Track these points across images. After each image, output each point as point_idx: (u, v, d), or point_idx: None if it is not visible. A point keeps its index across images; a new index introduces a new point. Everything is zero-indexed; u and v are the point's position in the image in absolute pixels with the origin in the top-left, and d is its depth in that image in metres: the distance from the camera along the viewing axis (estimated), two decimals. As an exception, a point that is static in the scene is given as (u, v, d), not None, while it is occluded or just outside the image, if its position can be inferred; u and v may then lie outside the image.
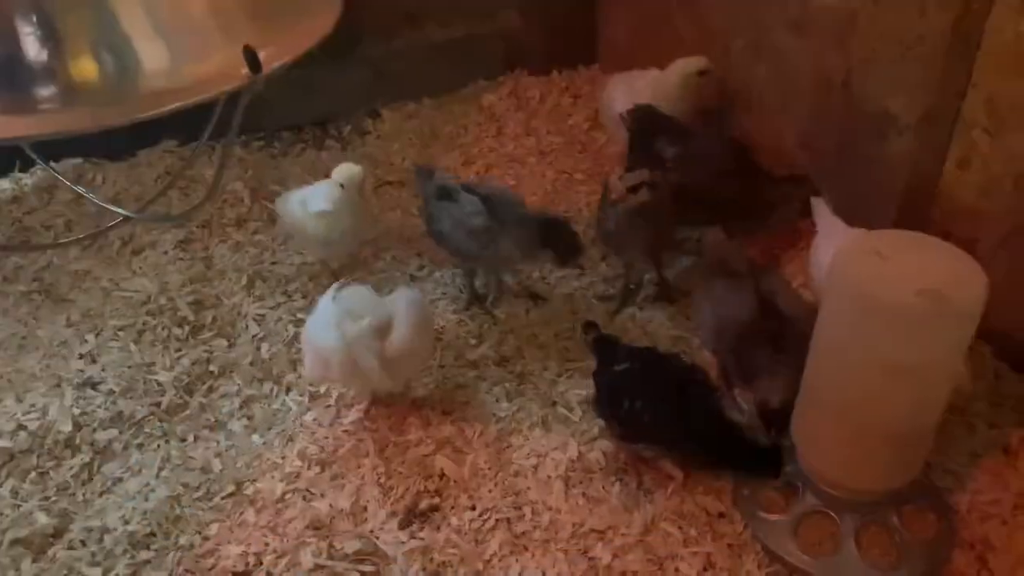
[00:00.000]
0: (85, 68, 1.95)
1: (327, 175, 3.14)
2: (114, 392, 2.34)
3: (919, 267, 1.61)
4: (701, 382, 1.96)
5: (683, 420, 1.90)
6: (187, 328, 2.54)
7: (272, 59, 2.04)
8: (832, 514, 1.86)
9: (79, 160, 3.22)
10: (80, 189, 3.02)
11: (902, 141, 2.27)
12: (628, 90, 2.93)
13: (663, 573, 1.86)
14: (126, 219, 2.79)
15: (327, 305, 2.12)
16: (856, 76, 2.38)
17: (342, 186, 2.57)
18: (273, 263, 2.79)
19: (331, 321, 2.06)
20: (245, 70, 1.97)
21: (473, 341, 2.50)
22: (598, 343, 2.15)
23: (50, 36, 1.90)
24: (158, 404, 2.31)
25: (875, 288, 1.57)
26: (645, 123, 2.72)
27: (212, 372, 2.41)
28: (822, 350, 1.72)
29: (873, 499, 1.84)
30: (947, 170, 2.24)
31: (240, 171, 3.17)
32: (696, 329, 2.38)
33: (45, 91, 1.91)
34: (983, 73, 2.07)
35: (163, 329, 2.54)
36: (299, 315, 2.56)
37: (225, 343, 2.51)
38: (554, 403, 2.28)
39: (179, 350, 2.48)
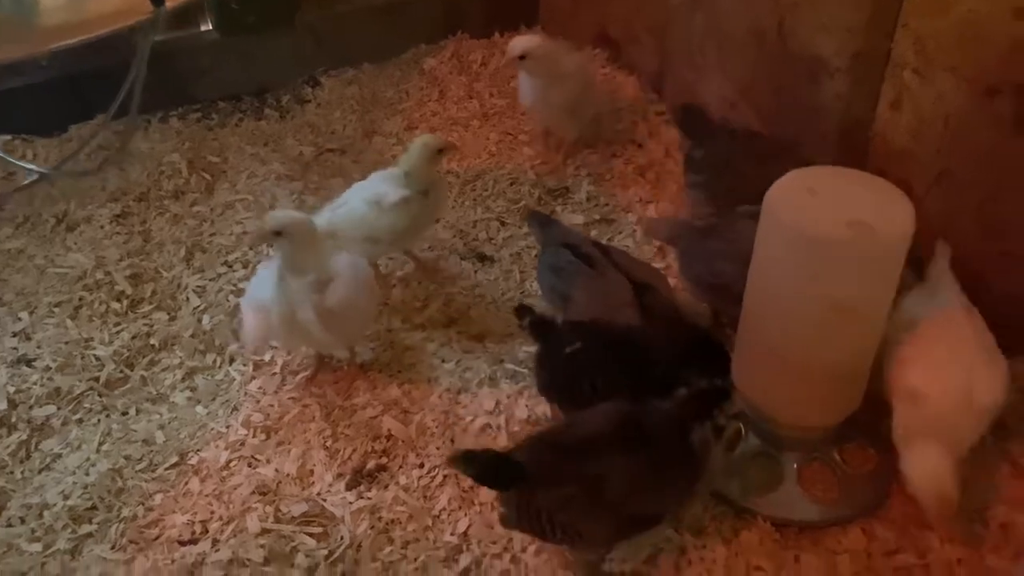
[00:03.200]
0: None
1: (266, 144, 3.12)
2: (50, 368, 2.28)
3: (849, 201, 1.62)
4: (650, 343, 1.88)
5: (642, 387, 1.80)
6: (125, 302, 2.49)
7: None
8: (774, 453, 1.88)
9: (8, 137, 3.12)
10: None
11: (834, 85, 2.29)
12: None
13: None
14: (42, 177, 2.79)
15: (269, 265, 2.10)
16: (788, 22, 2.39)
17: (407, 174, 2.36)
18: (212, 234, 2.74)
19: (272, 277, 2.04)
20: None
21: (419, 304, 2.49)
22: (536, 326, 1.98)
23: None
24: (97, 379, 2.26)
25: (806, 223, 1.59)
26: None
27: (153, 345, 2.37)
28: (758, 287, 1.73)
29: (814, 436, 1.87)
30: (880, 113, 2.26)
31: (177, 143, 3.10)
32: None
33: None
34: (911, 13, 2.08)
35: (100, 304, 2.48)
36: (240, 285, 2.51)
37: (166, 316, 2.47)
38: (502, 361, 2.28)
39: (118, 324, 2.42)
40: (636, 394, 1.72)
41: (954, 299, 1.87)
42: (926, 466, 1.68)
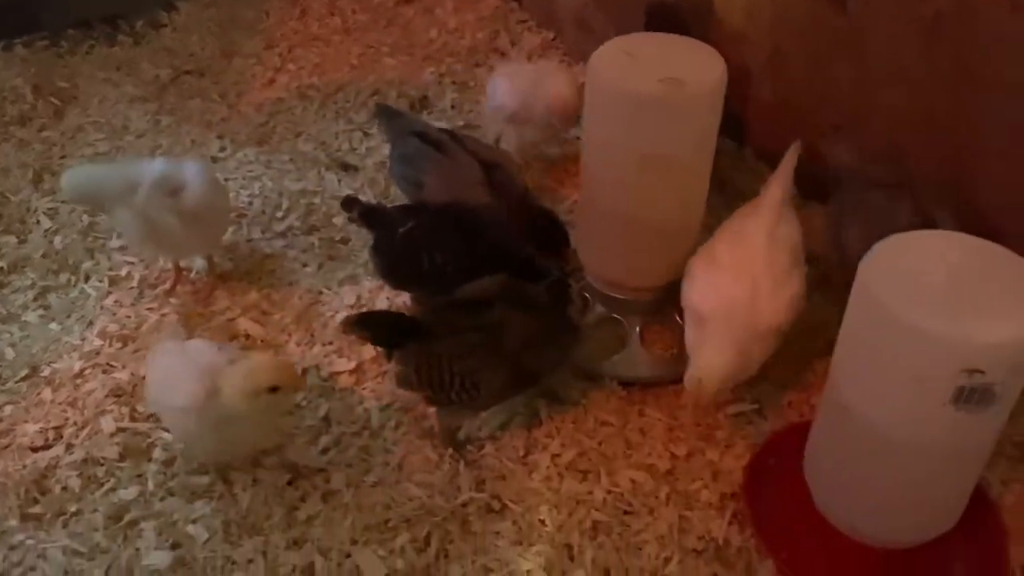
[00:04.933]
0: None
1: (119, 69, 3.03)
2: None
3: (664, 62, 1.69)
4: (484, 220, 1.91)
5: (482, 261, 1.84)
6: (-30, 228, 2.40)
7: None
8: (618, 317, 1.96)
9: None
10: None
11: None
12: (511, 83, 2.50)
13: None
14: None
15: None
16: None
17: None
18: (63, 157, 2.66)
19: None
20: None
21: (280, 214, 2.47)
22: (366, 215, 1.95)
23: None
24: (-60, 303, 2.19)
25: (623, 82, 1.65)
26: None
27: (2, 268, 2.30)
28: (588, 152, 1.79)
29: (653, 298, 1.96)
30: (718, -6, 2.34)
31: (22, 69, 2.99)
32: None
33: None
34: None
35: (-58, 232, 2.39)
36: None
37: (15, 239, 2.40)
38: (365, 263, 2.29)
39: (-38, 250, 2.34)
40: (477, 264, 1.77)
41: (766, 211, 1.80)
42: (701, 361, 1.70)
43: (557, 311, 1.74)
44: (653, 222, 1.78)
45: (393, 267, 1.96)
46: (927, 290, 1.26)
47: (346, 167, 2.64)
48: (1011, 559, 1.57)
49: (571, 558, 1.62)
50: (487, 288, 1.73)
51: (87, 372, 2.01)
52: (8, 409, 1.93)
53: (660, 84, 1.62)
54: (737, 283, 1.72)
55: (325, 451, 1.83)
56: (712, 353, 1.70)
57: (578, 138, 2.42)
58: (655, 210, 1.77)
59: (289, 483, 1.75)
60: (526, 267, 1.77)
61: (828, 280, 1.96)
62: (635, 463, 1.78)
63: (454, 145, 2.11)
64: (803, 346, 1.90)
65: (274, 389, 1.61)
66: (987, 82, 1.80)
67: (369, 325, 1.71)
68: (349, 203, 1.97)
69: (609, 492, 1.73)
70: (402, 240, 1.90)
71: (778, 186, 1.84)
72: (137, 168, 2.06)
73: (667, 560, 1.62)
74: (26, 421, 1.91)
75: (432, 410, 1.84)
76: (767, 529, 1.62)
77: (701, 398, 1.72)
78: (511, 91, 2.42)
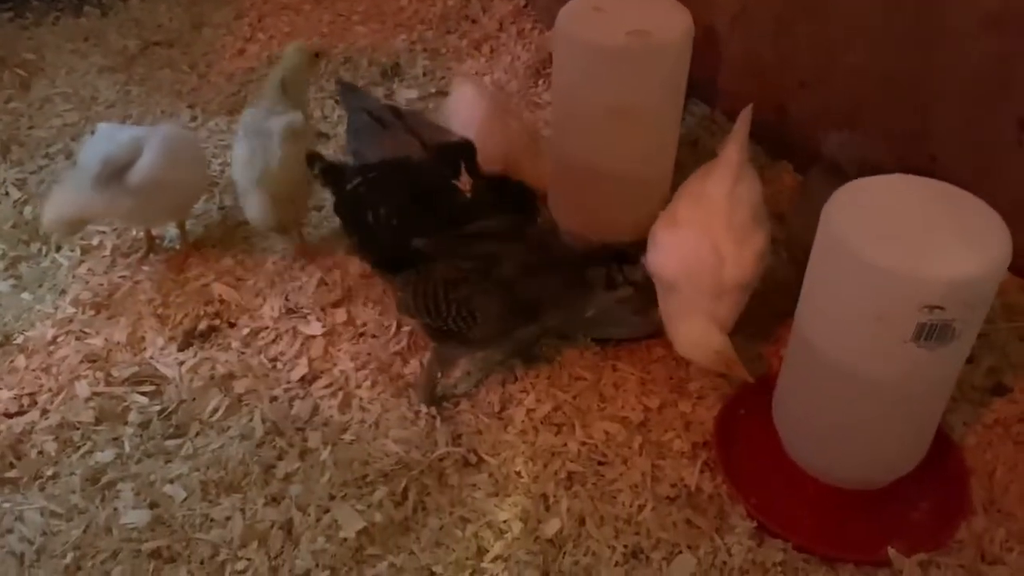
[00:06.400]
0: None
1: (86, 40, 2.99)
2: None
3: (632, 16, 1.70)
4: (438, 173, 1.89)
5: (429, 215, 1.84)
6: (-64, 199, 2.38)
7: None
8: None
9: None
10: None
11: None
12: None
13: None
14: None
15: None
16: None
17: None
18: (31, 128, 2.63)
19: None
20: None
21: (253, 182, 2.46)
22: (325, 172, 1.95)
23: None
24: (-91, 276, 2.17)
25: (591, 35, 1.66)
26: None
27: (-31, 240, 2.28)
28: (557, 106, 1.80)
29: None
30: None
31: (-15, 42, 2.94)
32: None
33: None
34: None
35: (-93, 203, 2.36)
36: (64, 175, 2.43)
37: (-17, 211, 2.37)
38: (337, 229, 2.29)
39: (-71, 222, 2.32)
40: (420, 216, 1.79)
41: (724, 170, 1.79)
42: (691, 337, 1.72)
43: (574, 265, 1.75)
44: (623, 174, 1.80)
45: (344, 222, 1.98)
46: (888, 230, 1.29)
47: (317, 134, 2.63)
48: (972, 498, 1.62)
49: (547, 508, 1.65)
50: (494, 226, 1.76)
51: (60, 339, 2.01)
52: (-19, 377, 1.93)
53: (627, 36, 1.63)
54: (700, 243, 1.73)
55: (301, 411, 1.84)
56: (689, 327, 1.71)
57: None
58: (624, 163, 1.79)
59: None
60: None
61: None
62: (609, 415, 1.81)
63: (398, 124, 2.11)
64: (771, 301, 1.92)
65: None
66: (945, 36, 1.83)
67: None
68: (312, 159, 1.97)
69: (583, 444, 1.76)
70: (349, 195, 1.91)
71: (735, 146, 1.82)
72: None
73: (641, 507, 1.64)
74: (0, 389, 1.90)
75: (414, 364, 1.87)
76: (737, 475, 1.65)
77: (730, 365, 1.71)
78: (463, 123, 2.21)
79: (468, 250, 1.73)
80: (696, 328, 1.71)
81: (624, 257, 1.77)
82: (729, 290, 1.72)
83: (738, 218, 1.75)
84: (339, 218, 2.00)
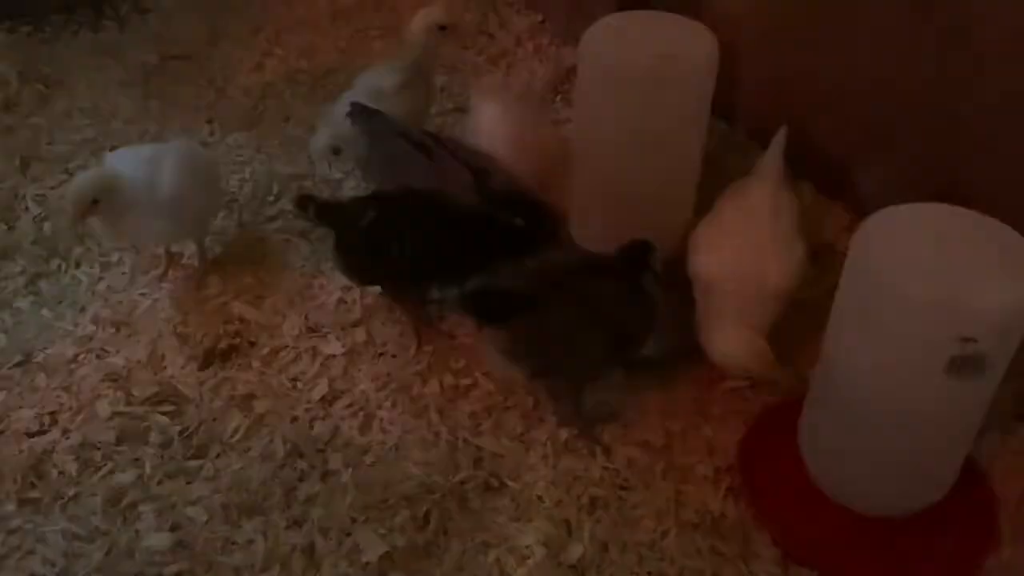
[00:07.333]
0: None
1: (106, 54, 3.00)
2: None
3: (657, 39, 1.70)
4: (443, 201, 1.89)
5: (449, 243, 1.83)
6: (-43, 215, 2.38)
7: None
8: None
9: None
10: None
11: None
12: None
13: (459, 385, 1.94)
14: None
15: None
16: None
17: None
18: (50, 143, 2.63)
19: None
20: None
21: (271, 198, 2.46)
22: (322, 212, 1.92)
23: None
24: (-68, 291, 2.17)
25: (617, 59, 1.65)
26: None
27: (-10, 255, 2.29)
28: (581, 129, 1.80)
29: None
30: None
31: (6, 55, 2.95)
32: None
33: None
34: None
35: (-72, 219, 2.37)
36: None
37: (3, 227, 2.37)
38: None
39: (-50, 237, 2.32)
40: (446, 246, 1.78)
41: (767, 182, 1.86)
42: (728, 345, 1.74)
43: (632, 282, 1.73)
44: (646, 196, 1.79)
45: (359, 261, 1.93)
46: (919, 260, 1.28)
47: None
48: (1001, 527, 1.60)
49: (569, 533, 1.64)
50: (565, 264, 1.76)
51: (81, 357, 2.01)
52: (2, 395, 1.92)
53: (655, 60, 1.62)
54: (744, 248, 1.76)
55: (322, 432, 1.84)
56: (729, 332, 1.73)
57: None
58: (648, 187, 1.78)
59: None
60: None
61: (818, 256, 1.99)
62: (631, 440, 1.80)
63: (440, 149, 2.03)
64: (794, 322, 1.91)
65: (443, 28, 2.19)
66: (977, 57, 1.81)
67: (479, 303, 1.67)
68: (304, 200, 1.93)
69: (606, 468, 1.75)
70: (366, 232, 1.86)
71: (773, 159, 1.88)
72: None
73: (664, 533, 1.64)
74: (21, 407, 1.90)
75: (434, 384, 1.88)
76: (762, 501, 1.64)
77: (769, 366, 1.74)
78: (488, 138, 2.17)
79: (566, 291, 1.68)
80: (735, 332, 1.72)
81: (647, 248, 1.74)
82: (771, 296, 1.74)
83: (782, 227, 1.78)
84: (340, 256, 1.97)
